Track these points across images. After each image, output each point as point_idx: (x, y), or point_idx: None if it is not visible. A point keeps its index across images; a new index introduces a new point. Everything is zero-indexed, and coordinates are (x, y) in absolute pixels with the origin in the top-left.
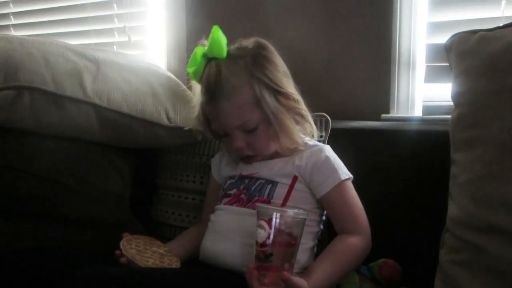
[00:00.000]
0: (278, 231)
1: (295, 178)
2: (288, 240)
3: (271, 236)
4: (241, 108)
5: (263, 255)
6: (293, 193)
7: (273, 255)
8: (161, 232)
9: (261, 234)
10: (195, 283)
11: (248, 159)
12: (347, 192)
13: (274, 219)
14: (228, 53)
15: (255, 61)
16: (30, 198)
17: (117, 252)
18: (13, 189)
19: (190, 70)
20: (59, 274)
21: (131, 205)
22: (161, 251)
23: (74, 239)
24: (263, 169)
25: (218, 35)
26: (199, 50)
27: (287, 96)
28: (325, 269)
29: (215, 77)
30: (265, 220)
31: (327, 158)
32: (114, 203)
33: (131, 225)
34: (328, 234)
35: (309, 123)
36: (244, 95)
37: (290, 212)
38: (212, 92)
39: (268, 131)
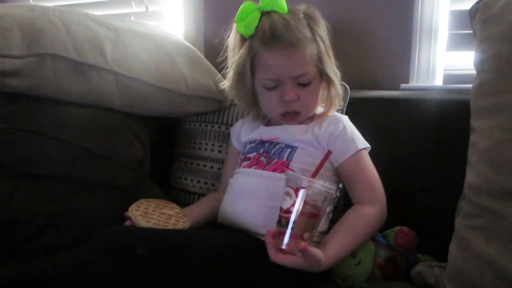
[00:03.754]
0: (304, 200)
1: (328, 153)
2: (311, 211)
3: (296, 204)
4: (305, 60)
5: (285, 221)
6: (313, 160)
7: (295, 223)
8: (179, 199)
9: (287, 201)
10: (223, 245)
11: (292, 116)
12: (364, 162)
13: (302, 189)
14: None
15: (312, 19)
16: (55, 162)
17: (126, 213)
18: (40, 154)
19: (239, 23)
20: (84, 234)
21: (150, 172)
22: (172, 212)
23: (97, 202)
24: (283, 135)
25: None
26: (248, 4)
27: (331, 59)
28: (340, 241)
29: (283, 25)
30: (292, 188)
31: (345, 128)
32: (135, 168)
33: (150, 190)
34: (344, 202)
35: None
36: (311, 48)
37: (318, 184)
38: (280, 38)
39: (318, 89)
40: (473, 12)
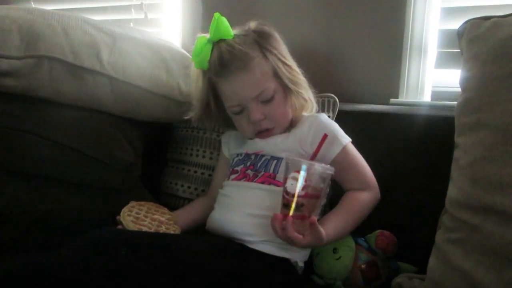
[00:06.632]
0: (306, 183)
1: (324, 136)
2: (313, 192)
3: (303, 187)
4: (259, 78)
5: (295, 205)
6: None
7: (304, 205)
8: (168, 203)
9: (293, 185)
10: (207, 249)
11: (266, 133)
12: (350, 154)
13: (303, 171)
14: (234, 34)
15: (261, 36)
16: (47, 162)
17: (118, 217)
18: (32, 153)
19: (195, 59)
20: (72, 235)
21: (141, 176)
22: (163, 218)
23: (86, 204)
24: (267, 147)
25: (222, 19)
26: (201, 39)
27: (291, 67)
28: (336, 221)
29: (229, 52)
30: (297, 172)
31: (326, 126)
32: (126, 171)
33: (140, 193)
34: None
35: (310, 93)
36: (261, 66)
37: (318, 166)
38: (228, 66)
39: (284, 101)
40: (461, 32)
